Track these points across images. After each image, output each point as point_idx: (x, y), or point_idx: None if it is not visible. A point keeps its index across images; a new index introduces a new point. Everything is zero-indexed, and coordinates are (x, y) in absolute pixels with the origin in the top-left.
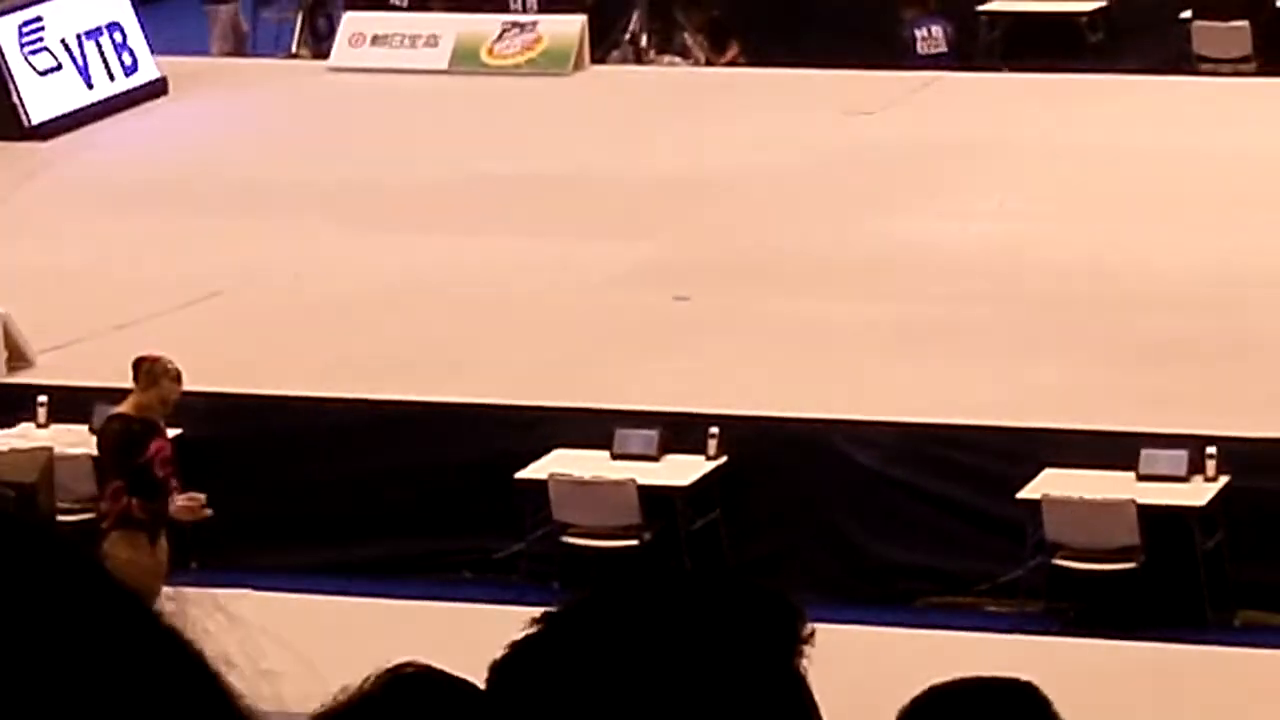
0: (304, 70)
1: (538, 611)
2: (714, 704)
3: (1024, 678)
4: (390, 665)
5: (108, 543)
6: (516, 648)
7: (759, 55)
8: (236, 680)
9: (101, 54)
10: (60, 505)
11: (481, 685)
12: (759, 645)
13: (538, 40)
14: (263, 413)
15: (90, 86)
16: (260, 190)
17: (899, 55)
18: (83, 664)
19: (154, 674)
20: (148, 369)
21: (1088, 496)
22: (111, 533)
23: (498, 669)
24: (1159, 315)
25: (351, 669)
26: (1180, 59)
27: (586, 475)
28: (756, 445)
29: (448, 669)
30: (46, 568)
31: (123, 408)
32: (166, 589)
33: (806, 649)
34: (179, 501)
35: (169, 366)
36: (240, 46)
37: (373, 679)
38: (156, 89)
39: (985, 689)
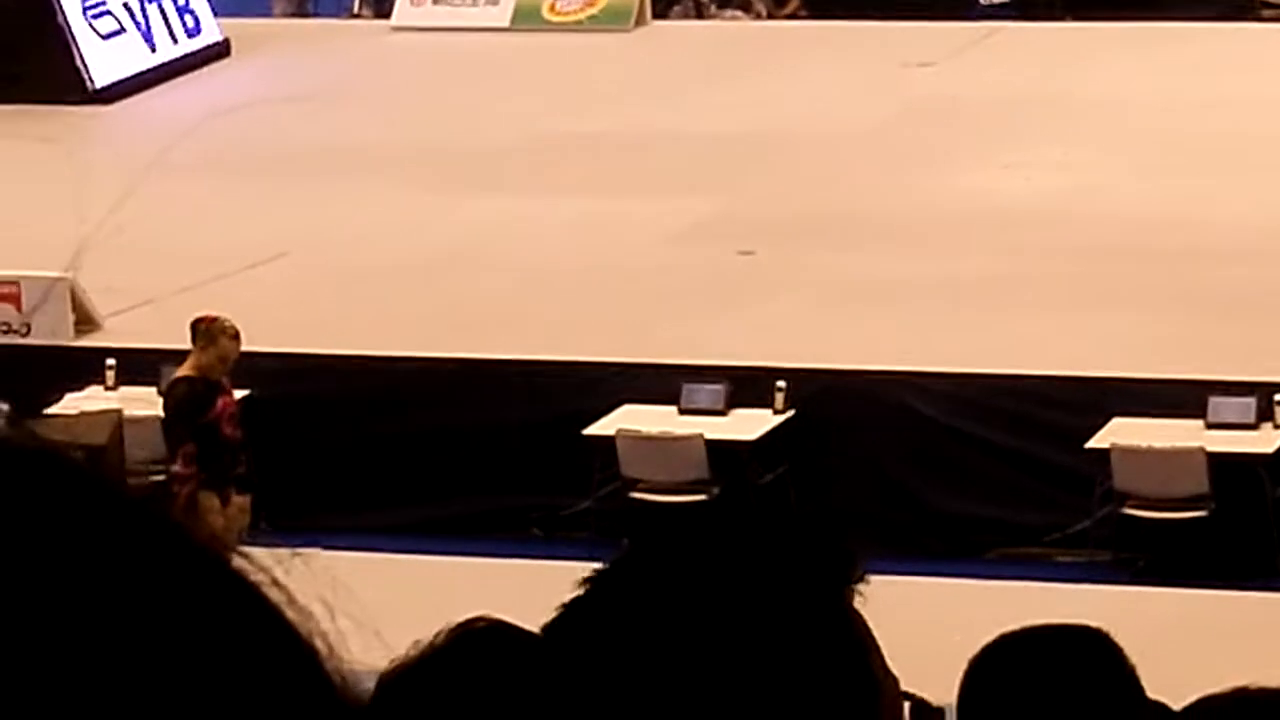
0: (366, 30)
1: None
2: (765, 646)
3: (1094, 625)
4: (461, 620)
5: (178, 504)
6: (571, 605)
7: (819, 8)
8: (320, 638)
9: (164, 17)
10: (129, 467)
11: None
12: (810, 586)
13: None
14: (330, 373)
15: (153, 50)
16: (324, 151)
17: (960, 6)
18: (164, 622)
19: (236, 632)
20: (205, 329)
21: (1156, 445)
22: (182, 493)
23: (552, 627)
24: (1226, 263)
25: (422, 627)
26: (1243, 6)
27: (654, 431)
28: (824, 399)
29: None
30: (122, 524)
31: (184, 369)
32: (252, 550)
33: (860, 588)
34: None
35: (226, 325)
36: (302, 7)
37: (444, 634)
38: (219, 51)
39: (1056, 637)
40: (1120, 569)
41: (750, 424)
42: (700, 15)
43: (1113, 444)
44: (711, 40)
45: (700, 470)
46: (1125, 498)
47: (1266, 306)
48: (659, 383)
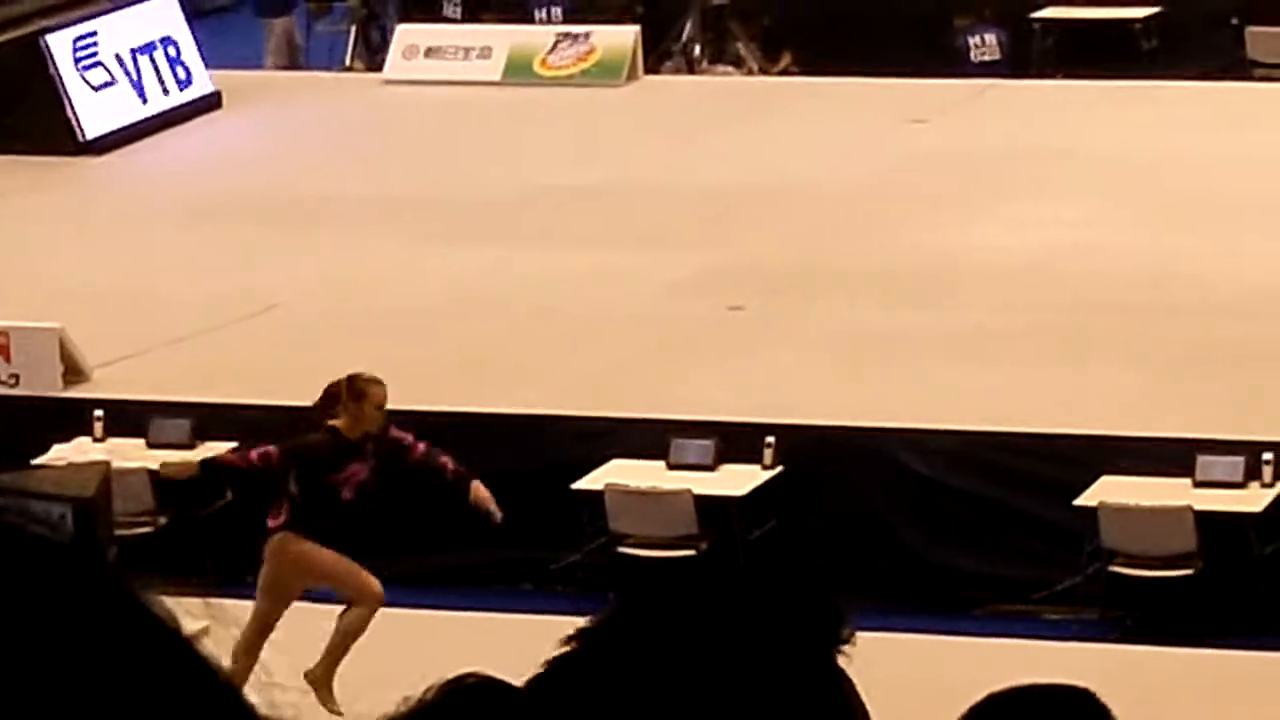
0: (358, 83)
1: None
2: (751, 707)
3: (1082, 685)
4: (452, 676)
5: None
6: (557, 663)
7: (812, 64)
8: (271, 705)
9: (155, 68)
10: (117, 519)
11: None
12: (795, 645)
13: (591, 51)
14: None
15: (144, 101)
16: (316, 203)
17: (953, 64)
18: (104, 694)
19: (178, 706)
20: (356, 388)
21: (1145, 503)
22: (283, 531)
23: (537, 685)
24: (1216, 321)
25: (412, 680)
26: (1234, 64)
27: (643, 485)
28: (813, 454)
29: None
30: (73, 595)
31: (337, 422)
32: (207, 602)
33: (846, 649)
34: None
35: (367, 376)
36: (294, 59)
37: (434, 689)
38: (211, 103)
39: (1043, 696)
40: (1108, 627)
41: (739, 479)
42: (692, 70)
43: (1100, 502)
44: (704, 95)
45: (689, 525)
46: (1113, 555)
47: (1256, 364)
48: (648, 437)
